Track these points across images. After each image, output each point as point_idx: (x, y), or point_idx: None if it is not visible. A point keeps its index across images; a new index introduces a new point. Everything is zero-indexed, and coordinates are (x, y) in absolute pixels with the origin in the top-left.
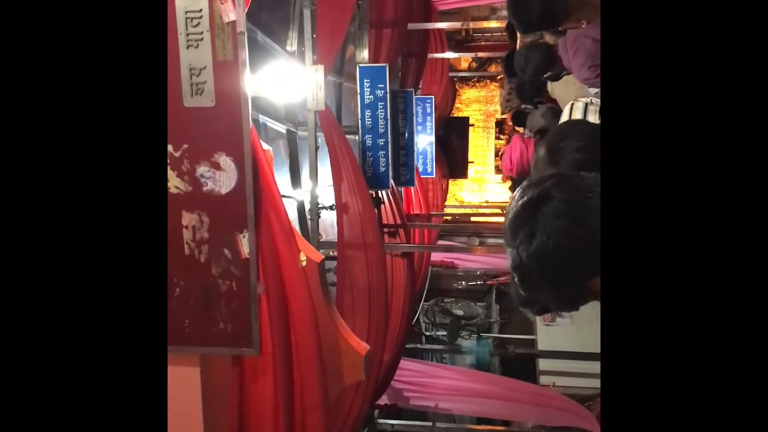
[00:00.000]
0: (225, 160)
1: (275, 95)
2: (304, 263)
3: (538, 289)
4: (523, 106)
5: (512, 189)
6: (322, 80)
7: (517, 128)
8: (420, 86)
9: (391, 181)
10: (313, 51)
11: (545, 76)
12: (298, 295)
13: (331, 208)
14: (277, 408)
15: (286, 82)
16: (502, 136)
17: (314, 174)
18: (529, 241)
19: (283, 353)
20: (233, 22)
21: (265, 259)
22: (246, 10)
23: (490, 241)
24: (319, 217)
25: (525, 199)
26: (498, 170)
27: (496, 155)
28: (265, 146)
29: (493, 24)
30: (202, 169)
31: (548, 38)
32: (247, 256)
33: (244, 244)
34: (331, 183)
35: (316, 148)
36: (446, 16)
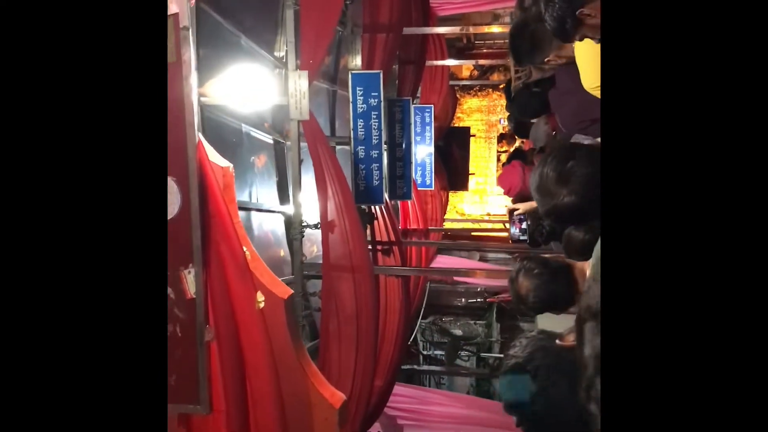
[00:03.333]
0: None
1: (253, 102)
2: (263, 305)
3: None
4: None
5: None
6: (306, 87)
7: (520, 139)
8: (418, 95)
9: (386, 196)
10: (297, 55)
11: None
12: (255, 342)
13: (315, 226)
14: None
15: (266, 87)
16: (502, 151)
17: (298, 188)
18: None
19: (238, 411)
20: (175, 15)
21: (215, 300)
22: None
23: (491, 256)
24: (303, 236)
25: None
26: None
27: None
28: (224, 163)
29: (495, 29)
30: None
31: (535, 74)
32: (193, 296)
33: (189, 281)
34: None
35: (300, 161)
36: (446, 22)
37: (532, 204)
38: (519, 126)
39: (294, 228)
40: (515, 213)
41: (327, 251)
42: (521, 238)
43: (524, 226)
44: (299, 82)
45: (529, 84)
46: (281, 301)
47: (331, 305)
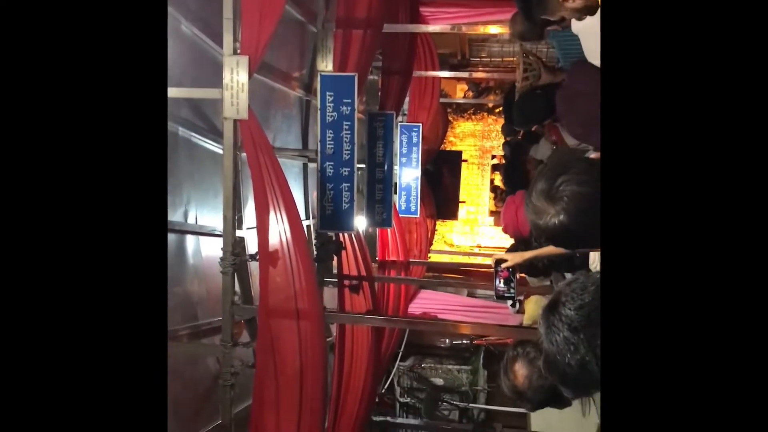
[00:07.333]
0: None
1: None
2: None
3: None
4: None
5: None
6: (246, 77)
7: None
8: (405, 112)
9: (356, 223)
10: (236, 36)
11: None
12: None
13: (253, 257)
14: None
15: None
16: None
17: (231, 207)
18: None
19: None
20: None
21: None
22: None
23: (481, 293)
24: (235, 269)
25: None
26: (491, 213)
27: (493, 197)
28: None
29: (492, 28)
30: None
31: (545, 77)
32: None
33: None
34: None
35: (237, 171)
36: (440, 36)
37: (523, 255)
38: (516, 145)
39: (225, 258)
40: (502, 264)
41: (265, 291)
42: (506, 294)
43: (512, 282)
44: (237, 71)
45: (536, 87)
46: None
47: (267, 361)
